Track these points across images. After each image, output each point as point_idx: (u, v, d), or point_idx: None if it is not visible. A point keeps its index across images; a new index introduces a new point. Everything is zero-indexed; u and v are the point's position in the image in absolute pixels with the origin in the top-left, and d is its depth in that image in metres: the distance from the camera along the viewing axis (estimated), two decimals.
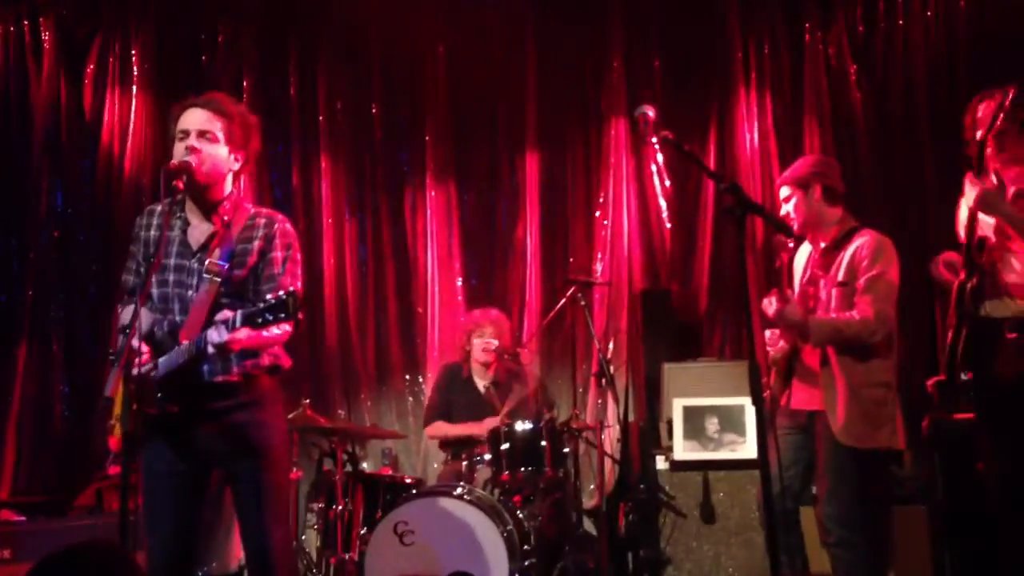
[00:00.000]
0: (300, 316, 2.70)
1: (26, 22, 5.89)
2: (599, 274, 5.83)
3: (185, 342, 2.89)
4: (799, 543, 3.64)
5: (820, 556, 3.75)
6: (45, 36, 5.93)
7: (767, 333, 3.71)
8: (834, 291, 3.53)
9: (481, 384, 5.21)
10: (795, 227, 3.65)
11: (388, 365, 6.01)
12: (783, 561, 3.27)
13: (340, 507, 4.49)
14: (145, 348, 2.84)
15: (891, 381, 3.52)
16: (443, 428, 5.16)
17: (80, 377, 5.74)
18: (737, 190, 2.64)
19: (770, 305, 3.51)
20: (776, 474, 2.97)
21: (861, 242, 3.54)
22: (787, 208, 3.67)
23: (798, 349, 3.62)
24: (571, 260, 5.99)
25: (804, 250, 3.78)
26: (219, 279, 2.95)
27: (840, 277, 3.52)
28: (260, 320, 2.67)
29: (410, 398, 5.99)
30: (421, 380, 5.98)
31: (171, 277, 3.01)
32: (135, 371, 2.63)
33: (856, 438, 3.41)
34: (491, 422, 4.81)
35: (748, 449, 4.62)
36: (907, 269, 5.52)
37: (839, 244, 3.59)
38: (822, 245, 3.65)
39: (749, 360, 2.59)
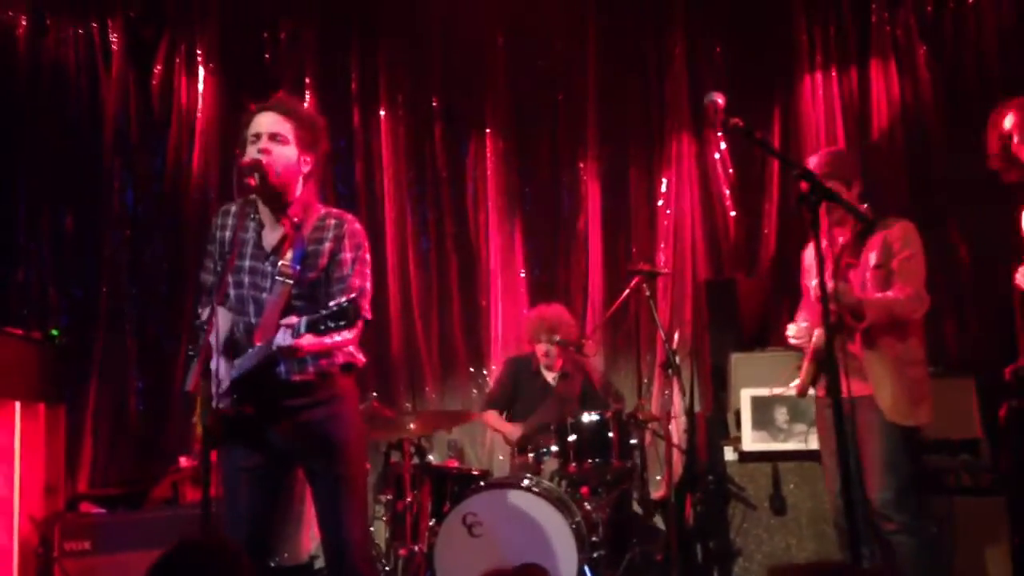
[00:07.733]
0: (369, 317, 2.70)
1: (95, 24, 5.99)
2: (662, 264, 5.77)
3: (258, 344, 2.93)
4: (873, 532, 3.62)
5: None
6: (113, 37, 6.00)
7: (791, 327, 3.70)
8: (868, 274, 3.60)
9: (551, 376, 5.23)
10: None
11: (452, 357, 6.04)
12: (863, 554, 3.24)
13: (409, 499, 4.52)
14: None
15: (925, 358, 3.63)
16: (490, 419, 5.28)
17: (153, 372, 5.85)
18: (812, 177, 2.60)
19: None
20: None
21: (891, 227, 3.63)
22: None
23: (834, 337, 3.58)
24: (634, 250, 5.94)
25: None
26: (291, 281, 2.98)
27: (874, 260, 3.60)
28: (322, 327, 2.67)
29: (474, 390, 6.01)
30: (485, 372, 5.99)
31: (246, 279, 3.05)
32: (213, 370, 2.67)
33: (902, 415, 3.50)
34: (517, 429, 4.97)
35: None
36: (979, 255, 5.42)
37: (866, 232, 3.64)
38: (850, 234, 3.69)
39: (827, 353, 2.56)
